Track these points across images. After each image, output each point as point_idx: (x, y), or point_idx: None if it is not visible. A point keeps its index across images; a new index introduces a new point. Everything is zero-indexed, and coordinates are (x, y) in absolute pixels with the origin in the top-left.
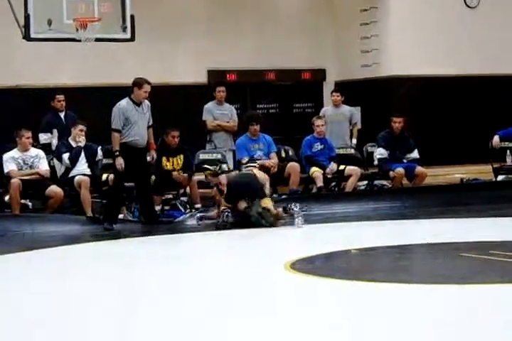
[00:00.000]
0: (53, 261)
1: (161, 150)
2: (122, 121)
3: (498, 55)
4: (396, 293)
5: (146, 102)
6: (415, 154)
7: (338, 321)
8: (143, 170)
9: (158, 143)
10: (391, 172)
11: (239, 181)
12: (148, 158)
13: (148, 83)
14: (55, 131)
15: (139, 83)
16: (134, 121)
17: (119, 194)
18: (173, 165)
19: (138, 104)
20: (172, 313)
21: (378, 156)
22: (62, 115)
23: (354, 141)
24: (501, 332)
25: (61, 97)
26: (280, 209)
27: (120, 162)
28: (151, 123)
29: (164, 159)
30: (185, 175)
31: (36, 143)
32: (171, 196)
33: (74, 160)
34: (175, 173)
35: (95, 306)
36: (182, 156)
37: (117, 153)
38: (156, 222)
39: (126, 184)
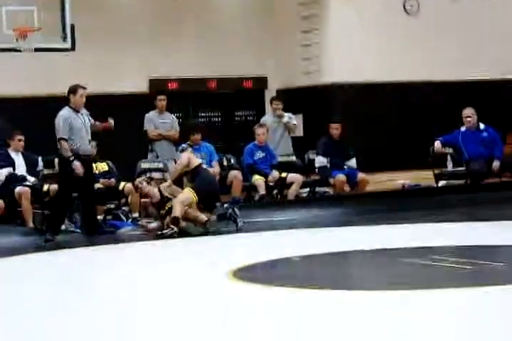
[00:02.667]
0: None
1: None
2: (67, 129)
3: (435, 61)
4: (338, 300)
5: (84, 110)
6: (353, 162)
7: (281, 329)
8: (87, 179)
9: None
10: (331, 179)
11: (210, 186)
12: (109, 123)
13: (83, 88)
14: None
15: (73, 89)
16: (77, 129)
17: (64, 204)
18: (96, 169)
19: (77, 111)
20: (110, 323)
21: (317, 164)
22: None
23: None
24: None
25: None
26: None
27: (78, 166)
28: (93, 122)
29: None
30: (112, 180)
31: None
32: (113, 206)
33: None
34: (101, 181)
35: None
36: (105, 163)
37: (72, 158)
38: (98, 233)
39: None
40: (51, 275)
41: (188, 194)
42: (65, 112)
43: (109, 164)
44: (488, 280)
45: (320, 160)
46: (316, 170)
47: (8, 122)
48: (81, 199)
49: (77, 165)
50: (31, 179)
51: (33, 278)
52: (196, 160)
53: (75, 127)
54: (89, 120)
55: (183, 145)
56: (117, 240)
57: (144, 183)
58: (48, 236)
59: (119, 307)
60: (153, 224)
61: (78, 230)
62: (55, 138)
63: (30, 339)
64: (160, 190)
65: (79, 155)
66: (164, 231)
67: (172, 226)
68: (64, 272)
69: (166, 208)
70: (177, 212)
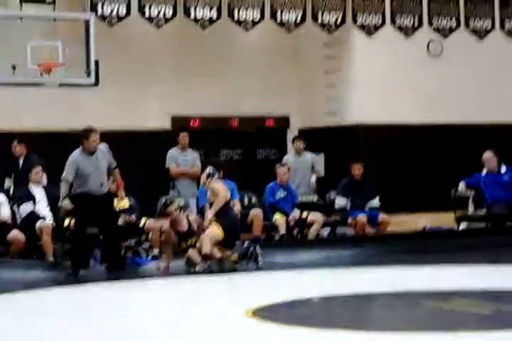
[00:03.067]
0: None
1: None
2: (74, 172)
3: (461, 104)
4: None
5: (101, 147)
6: (376, 203)
7: None
8: (106, 216)
9: None
10: (350, 219)
11: (235, 224)
12: (119, 196)
13: (95, 131)
14: (12, 177)
15: (85, 134)
16: (87, 173)
17: (81, 239)
18: (118, 206)
19: (90, 153)
20: None
21: (337, 206)
22: (20, 161)
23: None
24: None
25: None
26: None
27: (65, 205)
28: (114, 165)
29: None
30: (132, 217)
31: None
32: (133, 242)
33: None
34: (122, 217)
35: None
36: (126, 200)
37: (64, 195)
38: (121, 268)
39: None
40: (66, 310)
41: (216, 230)
42: (76, 155)
43: (130, 200)
44: (509, 324)
45: (339, 202)
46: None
47: (40, 157)
48: (103, 235)
49: (65, 203)
50: (51, 217)
51: (46, 312)
52: (228, 193)
53: (84, 171)
54: (108, 159)
55: (211, 170)
56: (140, 276)
57: (177, 211)
58: (69, 271)
59: None
60: (161, 263)
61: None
62: None
63: None
64: (189, 221)
65: (88, 195)
66: (197, 269)
67: (202, 262)
68: (79, 307)
69: (190, 242)
70: (207, 247)
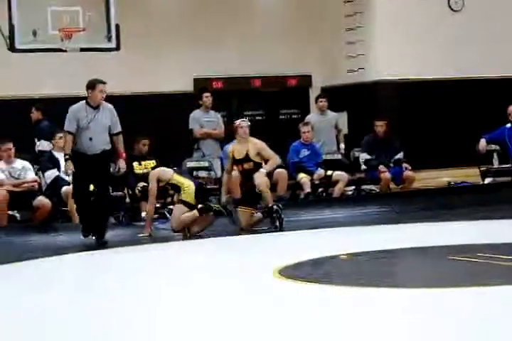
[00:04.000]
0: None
1: (132, 156)
2: (75, 122)
3: (483, 58)
4: (386, 298)
5: (108, 106)
6: (401, 155)
7: (331, 326)
8: (97, 178)
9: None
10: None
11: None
12: (112, 169)
13: (103, 82)
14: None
15: (91, 84)
16: (82, 126)
17: (81, 201)
18: (145, 167)
19: (94, 107)
20: (167, 321)
21: (362, 160)
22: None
23: (342, 145)
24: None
25: (32, 109)
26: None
27: (69, 167)
28: (118, 130)
29: (136, 163)
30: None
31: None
32: (158, 205)
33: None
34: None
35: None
36: (153, 161)
37: (66, 156)
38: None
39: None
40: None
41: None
42: (76, 105)
43: (157, 162)
44: None
45: (364, 156)
46: (363, 166)
47: (52, 123)
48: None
49: (67, 164)
50: None
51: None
52: None
53: (80, 124)
54: (112, 119)
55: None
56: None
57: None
58: (82, 234)
59: (173, 302)
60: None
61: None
62: None
63: None
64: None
65: (80, 154)
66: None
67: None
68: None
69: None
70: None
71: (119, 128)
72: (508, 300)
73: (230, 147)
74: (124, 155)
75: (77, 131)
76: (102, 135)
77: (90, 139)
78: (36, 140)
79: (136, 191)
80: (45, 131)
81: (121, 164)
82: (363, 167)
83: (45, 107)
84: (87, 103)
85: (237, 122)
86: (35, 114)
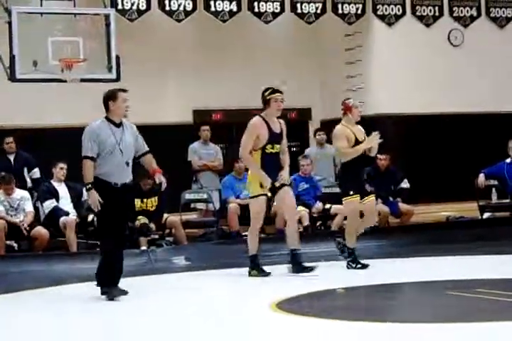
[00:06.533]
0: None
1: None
2: (96, 145)
3: (483, 94)
4: (383, 333)
5: (127, 123)
6: (405, 184)
7: None
8: (121, 214)
9: None
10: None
11: None
12: (157, 180)
13: (124, 90)
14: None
15: (112, 94)
16: (109, 149)
17: (115, 243)
18: (146, 206)
19: (117, 124)
20: None
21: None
22: (11, 157)
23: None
24: None
25: (9, 140)
26: None
27: (95, 197)
28: (147, 148)
29: (138, 200)
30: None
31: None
32: (157, 236)
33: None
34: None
35: None
36: (155, 198)
37: (89, 186)
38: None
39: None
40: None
41: None
42: (95, 124)
43: (160, 199)
44: None
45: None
46: None
47: (29, 155)
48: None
49: (93, 196)
50: (74, 213)
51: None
52: None
53: (105, 146)
54: (136, 137)
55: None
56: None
57: None
58: (102, 291)
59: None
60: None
61: None
62: None
63: None
64: None
65: (104, 182)
66: None
67: None
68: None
69: None
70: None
71: (146, 147)
72: (503, 336)
73: (343, 128)
74: (160, 170)
75: (98, 155)
76: (130, 157)
77: (127, 164)
78: (26, 169)
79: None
80: (30, 159)
81: (162, 177)
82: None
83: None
84: (108, 120)
85: (351, 102)
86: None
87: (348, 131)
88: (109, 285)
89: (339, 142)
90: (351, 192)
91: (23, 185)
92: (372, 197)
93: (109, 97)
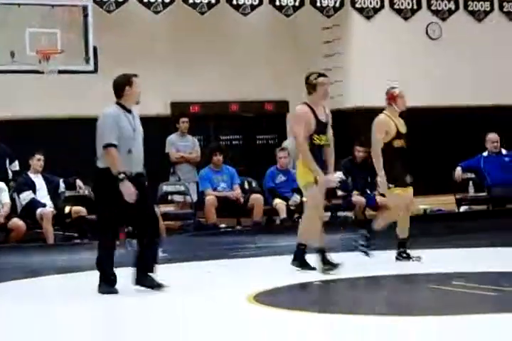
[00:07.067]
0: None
1: None
2: (116, 132)
3: (460, 87)
4: (356, 326)
5: (135, 111)
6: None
7: None
8: (142, 207)
9: None
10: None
11: None
12: None
13: (136, 76)
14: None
15: (128, 79)
16: (127, 135)
17: (112, 243)
18: None
19: (129, 110)
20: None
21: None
22: None
23: None
24: None
25: None
26: None
27: (130, 189)
28: None
29: None
30: None
31: None
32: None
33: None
34: None
35: None
36: None
37: (122, 175)
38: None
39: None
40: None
41: None
42: (112, 110)
43: None
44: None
45: (339, 175)
46: (338, 192)
47: (7, 147)
48: (139, 237)
49: (128, 186)
50: (51, 205)
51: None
52: None
53: (124, 133)
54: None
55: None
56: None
57: None
58: (104, 289)
59: (143, 327)
60: None
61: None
62: (75, 160)
63: None
64: None
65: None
66: None
67: None
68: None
69: None
70: None
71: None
72: (479, 329)
73: (386, 120)
74: None
75: (119, 141)
76: (142, 147)
77: (141, 152)
78: (8, 160)
79: None
80: (10, 151)
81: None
82: (340, 193)
83: None
84: (121, 106)
85: (396, 91)
86: None
87: (391, 123)
88: (106, 282)
89: (377, 134)
90: (390, 185)
91: (3, 177)
92: (410, 189)
93: (126, 83)
